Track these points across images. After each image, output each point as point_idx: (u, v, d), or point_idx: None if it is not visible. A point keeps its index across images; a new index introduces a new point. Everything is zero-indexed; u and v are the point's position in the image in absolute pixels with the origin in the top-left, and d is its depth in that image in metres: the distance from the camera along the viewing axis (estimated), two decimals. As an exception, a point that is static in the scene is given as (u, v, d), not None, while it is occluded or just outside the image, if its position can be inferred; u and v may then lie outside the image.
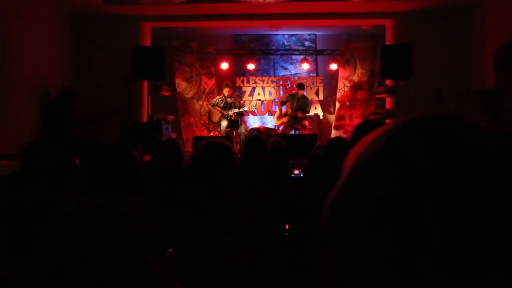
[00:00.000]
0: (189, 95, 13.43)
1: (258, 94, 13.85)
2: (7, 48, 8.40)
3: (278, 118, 12.25)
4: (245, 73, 13.80)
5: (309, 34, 13.86)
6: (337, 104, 13.29)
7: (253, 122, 13.68)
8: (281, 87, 13.90)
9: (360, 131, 2.97)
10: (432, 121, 0.63)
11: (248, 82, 13.89)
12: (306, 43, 13.95)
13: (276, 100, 13.70)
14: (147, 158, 6.41)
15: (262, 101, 13.84)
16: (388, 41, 11.43)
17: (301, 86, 12.07)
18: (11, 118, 8.33)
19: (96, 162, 2.57)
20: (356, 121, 12.59)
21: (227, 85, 12.11)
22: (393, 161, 0.61)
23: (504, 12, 8.91)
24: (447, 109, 9.39)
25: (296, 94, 12.01)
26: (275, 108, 13.55)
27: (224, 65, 13.51)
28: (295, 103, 11.82)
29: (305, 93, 12.28)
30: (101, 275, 1.95)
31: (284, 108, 12.18)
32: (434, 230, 0.57)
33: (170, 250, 2.78)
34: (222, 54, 13.63)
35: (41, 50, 9.64)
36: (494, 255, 0.56)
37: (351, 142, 3.08)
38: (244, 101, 13.38)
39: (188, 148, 10.63)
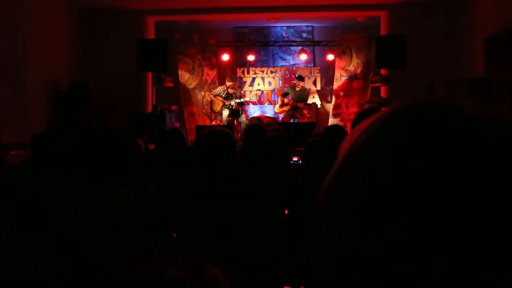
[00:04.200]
0: (191, 85, 13.42)
1: (258, 84, 13.85)
2: (20, 42, 8.46)
3: (280, 107, 12.30)
4: (245, 64, 13.78)
5: (307, 26, 13.83)
6: (334, 94, 13.30)
7: (253, 111, 13.67)
8: (280, 77, 13.91)
9: (360, 119, 2.97)
10: (424, 107, 0.62)
11: (248, 72, 13.88)
12: (304, 35, 13.93)
13: (276, 90, 13.73)
14: (152, 146, 6.42)
15: (262, 91, 13.85)
16: (383, 32, 11.41)
17: (300, 78, 12.26)
18: (23, 109, 8.37)
19: (100, 149, 2.57)
20: (353, 109, 12.62)
21: (230, 77, 12.15)
22: (385, 146, 0.60)
23: (493, 4, 8.91)
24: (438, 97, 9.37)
25: (296, 85, 12.14)
26: (275, 97, 13.61)
27: (225, 57, 13.50)
28: (294, 93, 11.95)
29: (303, 85, 12.32)
30: (107, 252, 1.96)
31: (286, 98, 12.25)
32: (424, 216, 0.56)
33: (175, 235, 2.80)
34: (223, 46, 13.61)
35: (51, 44, 9.68)
36: (489, 252, 0.55)
37: (352, 128, 3.08)
38: (245, 91, 13.39)
39: (191, 137, 10.64)
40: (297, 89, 12.09)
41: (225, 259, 2.59)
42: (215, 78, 13.44)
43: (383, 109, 0.68)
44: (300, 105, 11.83)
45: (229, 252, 2.65)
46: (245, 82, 13.82)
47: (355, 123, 3.05)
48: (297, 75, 12.64)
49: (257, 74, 13.88)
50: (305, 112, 12.14)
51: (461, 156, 0.57)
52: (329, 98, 13.61)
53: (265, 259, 2.89)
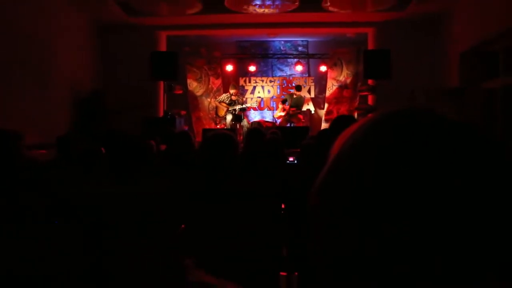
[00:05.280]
0: (199, 93, 13.43)
1: (258, 92, 13.86)
2: (48, 54, 8.52)
3: (279, 112, 12.35)
4: (247, 74, 13.77)
5: (302, 41, 13.83)
6: (326, 101, 13.32)
7: (254, 116, 13.66)
8: (278, 86, 13.91)
9: (336, 124, 2.98)
10: (405, 112, 0.63)
11: (249, 82, 13.88)
12: (300, 48, 13.92)
13: (274, 97, 13.74)
14: (163, 147, 6.42)
15: (262, 98, 13.86)
16: (370, 46, 11.40)
17: (298, 88, 12.35)
18: (49, 113, 8.40)
19: (120, 150, 2.58)
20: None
21: (234, 86, 12.18)
22: (371, 150, 0.60)
23: (466, 23, 8.94)
24: (419, 105, 9.40)
25: (294, 93, 12.20)
26: (273, 104, 13.63)
27: (229, 67, 13.49)
28: (291, 100, 12.00)
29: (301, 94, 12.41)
30: (125, 247, 1.95)
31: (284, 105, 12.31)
32: (415, 216, 0.55)
33: (183, 226, 2.80)
34: (227, 58, 13.60)
35: (75, 56, 9.74)
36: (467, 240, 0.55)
37: (331, 132, 3.07)
38: (246, 98, 13.40)
39: (198, 139, 10.64)
40: (294, 96, 12.15)
41: (226, 252, 2.59)
42: (220, 86, 13.45)
43: (370, 115, 0.68)
44: (291, 111, 11.93)
45: (231, 246, 2.65)
46: (247, 90, 13.82)
47: (333, 127, 3.05)
48: (295, 86, 12.65)
49: (257, 83, 13.89)
50: (301, 117, 12.17)
51: (445, 158, 0.56)
52: (322, 105, 13.61)
53: (264, 250, 2.89)
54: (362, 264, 0.59)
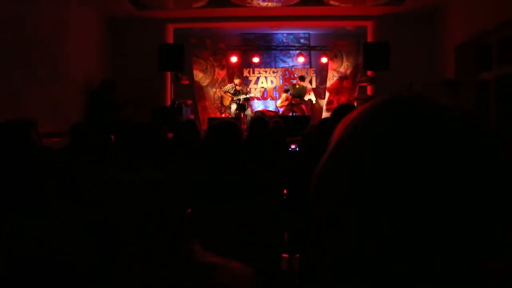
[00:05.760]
0: (204, 83, 13.42)
1: (262, 83, 13.82)
2: (60, 47, 8.54)
3: (282, 102, 12.33)
4: (251, 65, 13.74)
5: (304, 33, 13.78)
6: (327, 91, 13.30)
7: (257, 105, 13.64)
8: (280, 77, 13.87)
9: (338, 113, 2.98)
10: (404, 99, 0.62)
11: (253, 72, 13.84)
12: (302, 40, 13.88)
13: (277, 87, 13.72)
14: (170, 135, 6.42)
15: (265, 88, 13.83)
16: (369, 39, 11.35)
17: (302, 78, 12.36)
18: (62, 103, 8.43)
19: (130, 138, 2.58)
20: (343, 105, 12.58)
21: (238, 76, 12.18)
22: (370, 137, 0.59)
23: (461, 17, 8.91)
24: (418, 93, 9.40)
25: (297, 83, 12.19)
26: (276, 94, 13.60)
27: (234, 59, 13.47)
28: (293, 90, 12.00)
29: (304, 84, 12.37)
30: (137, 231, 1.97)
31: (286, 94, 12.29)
32: (414, 206, 0.54)
33: (189, 210, 2.81)
34: (232, 50, 13.57)
35: (86, 48, 9.77)
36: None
37: (332, 121, 3.07)
38: (250, 88, 13.38)
39: (204, 127, 10.63)
40: (297, 86, 12.14)
41: (230, 238, 2.60)
42: (225, 77, 13.43)
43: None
44: (293, 101, 11.91)
45: (234, 232, 2.66)
46: (251, 80, 13.78)
47: (334, 116, 3.05)
48: (299, 76, 12.62)
49: (261, 74, 13.85)
50: (303, 107, 12.17)
51: (442, 147, 0.55)
52: (323, 95, 13.58)
53: (267, 235, 2.91)
54: (361, 254, 0.58)
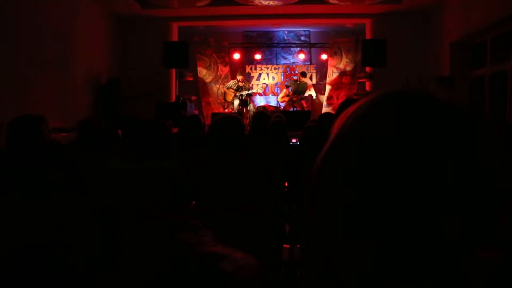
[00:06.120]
0: (208, 79, 13.41)
1: (264, 79, 13.82)
2: (68, 45, 8.55)
3: (283, 97, 12.31)
4: (253, 62, 13.73)
5: (305, 31, 13.74)
6: (327, 87, 13.28)
7: (259, 101, 13.64)
8: (282, 73, 13.86)
9: (343, 107, 2.98)
10: (402, 92, 0.61)
11: (255, 69, 13.84)
12: (302, 38, 13.84)
13: (278, 83, 13.71)
14: (174, 130, 6.43)
15: (267, 84, 13.82)
16: (368, 36, 11.33)
17: (303, 74, 12.32)
18: (70, 99, 8.45)
19: (139, 132, 2.59)
20: (342, 100, 12.55)
21: (241, 73, 12.18)
22: (372, 123, 0.59)
23: (456, 15, 8.90)
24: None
25: (298, 79, 12.16)
26: (277, 90, 13.59)
27: (236, 56, 13.46)
28: (294, 86, 11.99)
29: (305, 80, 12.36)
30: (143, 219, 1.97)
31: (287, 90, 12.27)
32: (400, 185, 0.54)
33: (194, 202, 2.82)
34: (235, 47, 13.55)
35: (93, 46, 9.75)
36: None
37: (336, 115, 3.07)
38: (252, 84, 13.37)
39: (208, 122, 10.64)
40: (298, 82, 12.12)
41: (233, 226, 2.61)
42: (228, 73, 13.42)
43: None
44: (294, 97, 11.88)
45: (237, 221, 2.66)
46: (253, 77, 13.78)
47: (340, 110, 3.05)
48: (301, 72, 12.60)
49: (262, 70, 13.85)
50: (303, 102, 12.17)
51: (440, 138, 0.55)
52: (323, 91, 13.57)
53: (268, 225, 2.91)
54: (362, 246, 0.58)
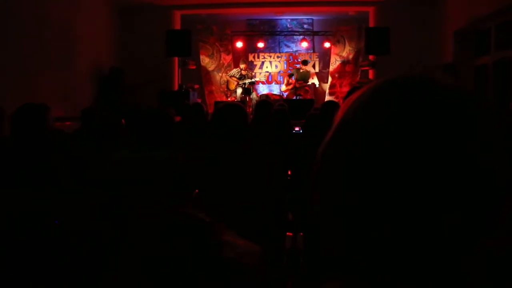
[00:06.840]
0: (211, 68, 13.38)
1: (267, 67, 13.80)
2: (71, 34, 8.57)
3: (286, 85, 12.28)
4: (256, 50, 13.70)
5: (308, 19, 13.70)
6: (330, 75, 13.26)
7: (262, 89, 13.62)
8: (285, 61, 13.84)
9: (349, 96, 2.97)
10: (405, 78, 0.60)
11: (258, 57, 13.81)
12: (305, 26, 13.81)
13: (281, 72, 13.69)
14: (177, 118, 6.43)
15: (270, 73, 13.80)
16: (371, 24, 11.29)
17: (305, 63, 12.27)
18: (73, 88, 8.47)
19: (141, 121, 2.59)
20: (345, 88, 12.55)
21: (243, 61, 12.13)
22: (375, 109, 0.59)
23: (460, 2, 8.84)
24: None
25: (300, 68, 12.13)
26: (280, 78, 13.57)
27: (239, 44, 13.43)
28: (297, 74, 11.95)
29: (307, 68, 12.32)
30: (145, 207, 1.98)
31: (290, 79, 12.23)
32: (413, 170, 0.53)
33: (197, 191, 2.82)
34: (237, 35, 13.52)
35: (96, 35, 9.77)
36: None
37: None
38: (255, 72, 13.34)
39: (210, 111, 10.63)
40: (301, 71, 12.08)
41: (235, 208, 2.61)
42: (231, 61, 13.38)
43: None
44: (297, 84, 11.85)
45: (240, 209, 2.66)
46: (256, 65, 13.75)
47: (346, 97, 3.05)
48: (302, 60, 12.55)
49: (265, 59, 13.82)
50: (307, 88, 12.12)
51: (445, 124, 0.54)
52: (325, 79, 13.54)
53: (271, 214, 2.92)
54: (363, 236, 0.57)
